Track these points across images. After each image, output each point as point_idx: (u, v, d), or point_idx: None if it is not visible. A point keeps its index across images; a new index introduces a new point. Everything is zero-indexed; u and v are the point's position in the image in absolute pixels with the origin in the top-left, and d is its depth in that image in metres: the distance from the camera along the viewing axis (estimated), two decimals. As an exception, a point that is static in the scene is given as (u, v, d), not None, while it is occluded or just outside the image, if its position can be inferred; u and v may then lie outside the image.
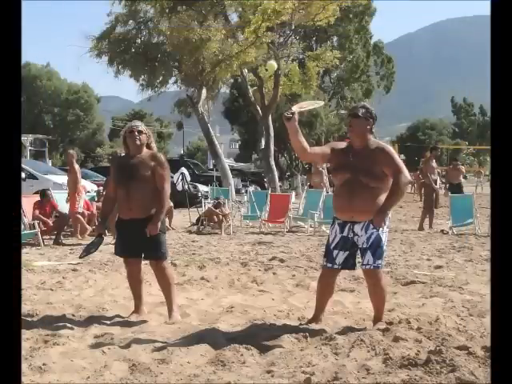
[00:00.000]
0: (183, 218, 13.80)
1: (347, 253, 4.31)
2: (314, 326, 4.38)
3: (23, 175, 15.06)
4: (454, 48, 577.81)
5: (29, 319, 4.59)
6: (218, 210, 11.86)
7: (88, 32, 21.49)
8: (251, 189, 20.15)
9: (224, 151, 36.43)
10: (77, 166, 10.87)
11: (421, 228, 11.92)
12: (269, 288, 5.95)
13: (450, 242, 9.97)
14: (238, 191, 23.53)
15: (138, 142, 4.63)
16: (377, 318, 4.41)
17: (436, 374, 3.22)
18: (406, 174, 4.17)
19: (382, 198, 4.16)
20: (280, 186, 25.59)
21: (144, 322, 4.61)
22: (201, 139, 63.89)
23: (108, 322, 4.60)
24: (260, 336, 4.09)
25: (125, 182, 4.60)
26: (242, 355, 3.65)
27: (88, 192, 12.57)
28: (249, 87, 23.71)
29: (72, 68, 22.51)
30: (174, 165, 15.99)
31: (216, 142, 23.12)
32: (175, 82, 23.11)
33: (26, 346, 3.83)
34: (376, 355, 3.62)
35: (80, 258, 5.24)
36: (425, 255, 8.42)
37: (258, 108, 23.41)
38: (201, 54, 19.37)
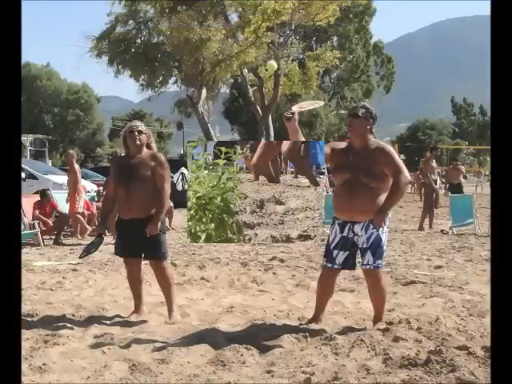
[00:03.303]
0: (183, 218, 13.79)
1: (347, 253, 4.31)
2: (314, 326, 4.37)
3: (23, 175, 15.04)
4: (454, 48, 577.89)
5: (29, 319, 4.59)
6: (217, 210, 11.85)
7: (88, 32, 21.62)
8: (251, 189, 20.11)
9: (224, 151, 36.34)
10: (77, 166, 10.87)
11: (421, 228, 11.92)
12: (269, 288, 5.95)
13: (450, 241, 9.95)
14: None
15: (137, 142, 4.63)
16: (377, 318, 4.41)
17: (436, 374, 3.22)
18: (406, 174, 4.17)
19: (382, 198, 4.15)
20: (280, 186, 25.54)
21: (144, 321, 4.61)
22: (201, 139, 63.85)
23: (108, 322, 4.60)
24: (260, 336, 4.08)
25: (125, 182, 4.60)
26: (242, 355, 3.65)
27: (88, 192, 12.56)
28: (249, 87, 23.73)
29: (72, 68, 22.60)
30: (174, 165, 15.95)
31: (216, 142, 23.10)
32: (175, 82, 23.17)
33: (26, 346, 3.83)
34: (376, 355, 3.61)
35: (80, 257, 5.24)
36: (425, 255, 8.41)
37: (258, 108, 23.41)
38: (201, 54, 19.40)
